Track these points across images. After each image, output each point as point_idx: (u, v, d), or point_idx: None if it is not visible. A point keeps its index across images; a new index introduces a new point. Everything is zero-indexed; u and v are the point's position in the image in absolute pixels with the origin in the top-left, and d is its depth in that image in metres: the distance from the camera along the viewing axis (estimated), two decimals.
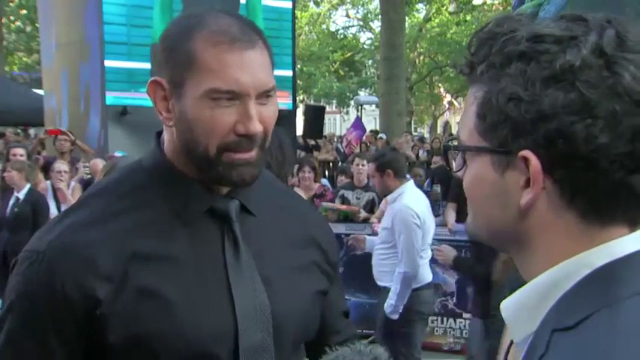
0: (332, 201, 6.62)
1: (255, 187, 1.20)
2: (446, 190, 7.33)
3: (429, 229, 4.44)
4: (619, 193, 0.72)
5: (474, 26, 23.20)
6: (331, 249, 1.37)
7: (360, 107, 25.62)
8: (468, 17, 27.37)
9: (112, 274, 1.09)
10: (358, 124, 13.62)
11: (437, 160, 8.98)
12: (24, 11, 24.25)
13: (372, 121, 31.23)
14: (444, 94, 33.47)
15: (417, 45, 28.87)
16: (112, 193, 1.18)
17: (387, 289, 4.34)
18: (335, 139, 15.46)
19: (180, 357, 1.11)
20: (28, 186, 5.89)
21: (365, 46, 32.66)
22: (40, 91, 12.33)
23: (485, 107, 0.77)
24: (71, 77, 9.93)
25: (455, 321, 6.14)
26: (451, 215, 6.33)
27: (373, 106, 27.85)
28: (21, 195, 5.83)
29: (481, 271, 3.92)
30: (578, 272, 0.73)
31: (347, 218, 6.37)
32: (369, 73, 33.63)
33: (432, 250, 4.52)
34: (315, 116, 13.43)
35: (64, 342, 1.10)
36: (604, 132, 0.70)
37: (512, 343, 0.84)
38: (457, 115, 32.33)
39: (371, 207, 6.64)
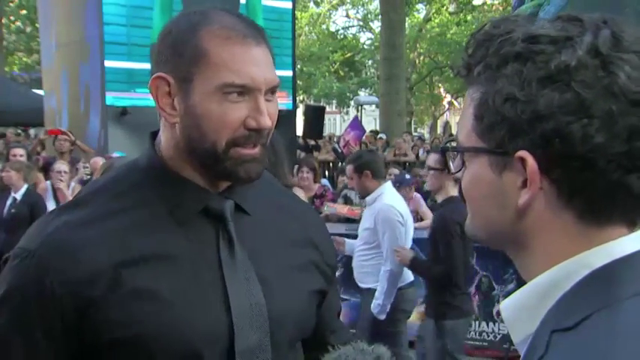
0: (333, 201, 6.62)
1: (252, 186, 1.21)
2: None
3: (410, 228, 4.48)
4: (617, 193, 0.72)
5: (474, 26, 23.19)
6: (328, 250, 1.37)
7: (360, 107, 25.63)
8: (468, 17, 27.38)
9: (105, 274, 1.09)
10: (356, 124, 13.62)
11: None
12: (24, 11, 24.25)
13: (372, 121, 31.23)
14: (444, 95, 33.48)
15: (417, 45, 28.88)
16: (106, 192, 1.18)
17: (370, 291, 4.35)
18: (334, 139, 15.43)
19: (175, 357, 1.11)
20: (25, 186, 5.88)
21: (365, 47, 32.67)
22: (40, 91, 12.33)
23: (482, 108, 0.77)
24: (71, 77, 9.93)
25: None
26: None
27: (373, 106, 27.86)
28: (18, 195, 5.81)
29: (437, 272, 3.97)
30: (578, 273, 0.73)
31: (348, 219, 6.37)
32: (369, 74, 33.64)
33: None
34: (315, 116, 13.43)
35: (52, 340, 1.10)
36: (600, 132, 0.70)
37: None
38: (457, 115, 32.32)
39: None
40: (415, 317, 6.24)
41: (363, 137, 13.54)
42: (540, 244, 0.77)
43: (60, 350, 1.11)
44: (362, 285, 4.54)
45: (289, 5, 11.15)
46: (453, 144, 0.85)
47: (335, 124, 41.94)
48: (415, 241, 6.20)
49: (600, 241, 0.74)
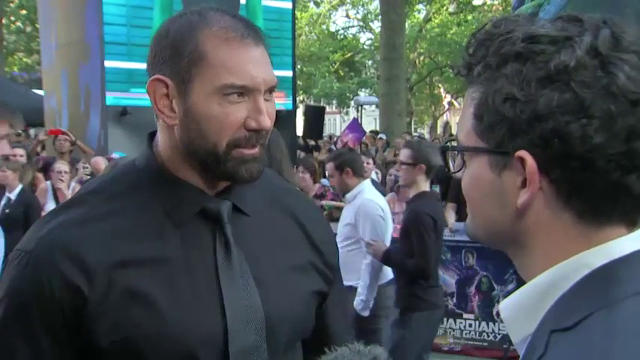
0: (333, 200, 6.62)
1: (251, 186, 1.20)
2: (445, 190, 7.33)
3: (389, 223, 4.53)
4: (616, 193, 0.72)
5: (474, 26, 23.18)
6: (329, 250, 1.35)
7: (360, 107, 25.64)
8: (469, 17, 27.38)
9: (101, 274, 1.09)
10: (355, 126, 13.59)
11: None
12: (24, 11, 24.24)
13: (372, 121, 31.24)
14: (444, 95, 33.47)
15: (417, 45, 28.87)
16: (104, 193, 1.18)
17: (351, 289, 4.37)
18: (334, 140, 15.43)
19: (170, 359, 1.11)
20: (20, 187, 5.85)
21: (365, 47, 32.66)
22: (40, 92, 12.33)
23: (481, 108, 0.77)
24: (71, 77, 9.93)
25: (455, 321, 6.13)
26: (451, 215, 6.35)
27: (373, 106, 27.86)
28: (13, 195, 5.78)
29: (410, 265, 4.01)
30: (577, 272, 0.74)
31: None
32: (369, 74, 33.63)
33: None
34: (315, 116, 13.44)
35: (55, 341, 1.10)
36: (599, 132, 0.70)
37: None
38: (457, 115, 32.31)
39: None
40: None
41: (364, 138, 13.53)
42: (540, 244, 0.77)
43: (63, 351, 1.11)
44: (344, 283, 4.56)
45: (289, 5, 11.15)
46: (454, 143, 0.85)
47: (335, 124, 41.94)
48: None
49: (599, 241, 0.74)
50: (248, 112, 1.12)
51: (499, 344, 5.86)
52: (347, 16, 33.15)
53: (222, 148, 1.12)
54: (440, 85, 32.14)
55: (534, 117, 0.72)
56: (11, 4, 24.44)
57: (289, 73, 10.77)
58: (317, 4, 32.60)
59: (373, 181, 7.06)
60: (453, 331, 6.14)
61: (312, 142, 12.82)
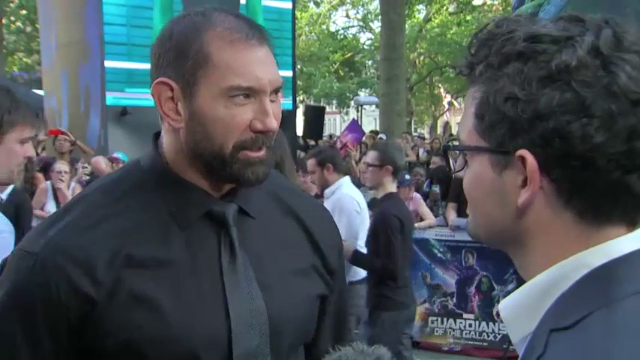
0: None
1: (257, 187, 1.19)
2: (445, 190, 7.34)
3: (366, 219, 4.56)
4: (616, 192, 0.73)
5: (474, 27, 23.19)
6: (330, 254, 1.33)
7: (360, 107, 25.62)
8: (468, 17, 27.38)
9: (107, 278, 1.08)
10: (355, 127, 13.58)
11: (436, 161, 8.98)
12: (24, 11, 24.22)
13: (372, 121, 31.24)
14: (444, 95, 33.47)
15: (417, 45, 28.86)
16: (109, 194, 1.16)
17: None
18: (333, 139, 15.42)
19: None
20: (11, 187, 5.83)
21: (365, 47, 32.65)
22: (40, 92, 12.33)
23: (483, 107, 0.77)
24: (71, 77, 9.93)
25: (455, 321, 6.14)
26: (452, 215, 6.35)
27: (373, 106, 27.86)
28: (4, 195, 5.76)
29: (377, 265, 4.04)
30: (577, 272, 0.74)
31: None
32: (369, 74, 33.62)
33: None
34: (315, 117, 13.46)
35: (58, 344, 1.10)
36: (600, 131, 0.70)
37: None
38: (457, 115, 32.34)
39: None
40: (415, 317, 6.25)
41: (363, 138, 13.52)
42: (540, 244, 0.77)
43: (64, 352, 1.11)
44: None
45: (289, 5, 11.16)
46: (455, 143, 0.85)
47: (335, 124, 41.93)
48: (415, 241, 6.22)
49: (600, 240, 0.74)
50: (254, 113, 1.10)
51: (499, 344, 5.86)
52: (347, 16, 33.16)
53: (228, 150, 1.11)
54: (440, 85, 32.13)
55: (535, 116, 0.72)
56: (11, 4, 24.42)
57: (289, 73, 10.78)
58: (317, 4, 32.59)
59: None
60: (453, 331, 6.14)
61: (312, 142, 12.83)
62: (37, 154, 9.49)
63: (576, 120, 0.70)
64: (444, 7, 28.67)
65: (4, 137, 1.85)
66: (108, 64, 9.14)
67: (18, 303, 1.10)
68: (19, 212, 5.52)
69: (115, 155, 7.26)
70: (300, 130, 13.75)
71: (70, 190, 6.42)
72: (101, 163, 7.18)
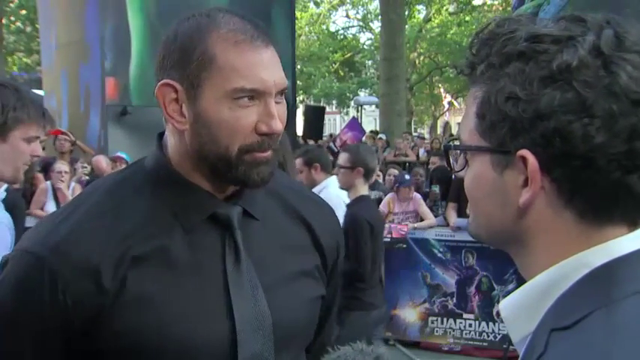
0: None
1: (260, 190, 1.18)
2: (445, 190, 7.33)
3: None
4: (617, 192, 0.73)
5: (473, 27, 23.17)
6: (330, 255, 1.32)
7: (360, 107, 25.61)
8: (468, 18, 27.38)
9: (111, 281, 1.07)
10: (355, 125, 13.56)
11: (435, 161, 8.98)
12: (24, 11, 24.21)
13: (372, 121, 31.22)
14: (444, 95, 33.47)
15: (417, 45, 28.86)
16: (113, 196, 1.15)
17: None
18: (333, 138, 15.40)
19: None
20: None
21: (365, 47, 32.65)
22: (40, 91, 12.34)
23: (484, 107, 0.77)
24: (71, 77, 9.93)
25: (455, 321, 6.14)
26: (452, 215, 6.35)
27: (373, 106, 27.85)
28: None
29: (346, 267, 4.05)
30: (577, 272, 0.74)
31: None
32: (368, 74, 33.62)
33: None
34: (315, 117, 13.46)
35: (61, 347, 1.09)
36: (601, 131, 0.70)
37: None
38: (457, 115, 32.34)
39: (377, 205, 6.66)
40: (415, 317, 6.25)
41: (363, 138, 13.52)
42: (541, 244, 0.77)
43: (68, 355, 1.10)
44: None
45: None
46: (456, 143, 0.85)
47: (335, 124, 41.89)
48: (415, 241, 6.22)
49: (600, 240, 0.74)
50: (259, 115, 1.09)
51: (499, 344, 5.86)
52: (347, 16, 33.16)
53: (234, 152, 1.10)
54: (440, 85, 32.13)
55: (536, 116, 0.72)
56: (11, 4, 24.41)
57: (288, 74, 10.78)
58: (317, 4, 32.59)
59: (376, 181, 7.09)
60: (453, 331, 6.14)
61: (312, 142, 12.82)
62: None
63: (577, 120, 0.70)
64: (444, 8, 28.67)
65: (10, 134, 1.86)
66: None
67: (23, 303, 1.08)
68: (12, 212, 5.49)
69: (119, 155, 7.24)
70: (300, 130, 13.75)
71: (70, 190, 6.42)
72: (102, 162, 7.18)
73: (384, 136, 14.25)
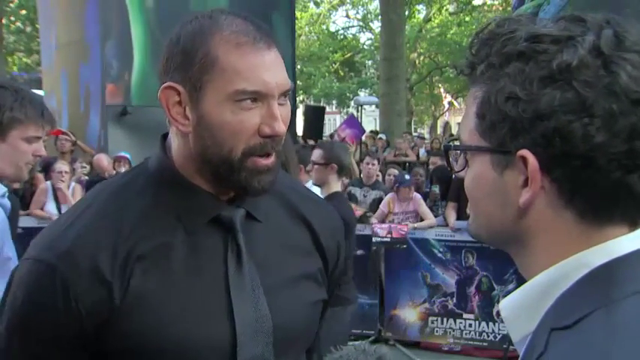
0: None
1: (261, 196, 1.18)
2: (445, 190, 7.33)
3: None
4: (618, 192, 0.73)
5: (473, 27, 23.17)
6: (332, 259, 1.32)
7: (360, 107, 25.60)
8: (468, 18, 27.38)
9: (119, 284, 1.07)
10: (353, 121, 13.46)
11: (435, 161, 8.99)
12: (24, 11, 24.21)
13: (372, 121, 31.22)
14: (444, 95, 33.47)
15: (417, 45, 28.86)
16: (118, 200, 1.14)
17: None
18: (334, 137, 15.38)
19: None
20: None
21: (365, 47, 32.65)
22: (40, 91, 12.34)
23: (484, 107, 0.77)
24: (71, 77, 9.94)
25: (455, 321, 6.14)
26: (452, 215, 6.35)
27: (373, 106, 27.83)
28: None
29: None
30: (577, 272, 0.74)
31: None
32: (368, 74, 33.62)
33: None
34: (315, 117, 13.42)
35: (65, 349, 1.09)
36: (601, 131, 0.70)
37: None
38: (457, 115, 32.35)
39: (377, 205, 6.68)
40: (415, 317, 6.25)
41: (363, 138, 13.51)
42: (541, 243, 0.77)
43: (69, 358, 1.10)
44: None
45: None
46: (456, 143, 0.85)
47: (335, 124, 41.80)
48: (415, 241, 6.22)
49: (600, 240, 0.74)
50: (262, 118, 1.09)
51: (499, 344, 5.86)
52: (347, 16, 33.15)
53: (237, 155, 1.09)
54: (440, 85, 32.13)
55: (536, 116, 0.72)
56: (11, 4, 24.41)
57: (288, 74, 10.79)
58: (317, 4, 32.58)
59: (376, 181, 7.09)
60: (453, 331, 6.15)
61: (312, 143, 12.81)
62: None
63: (577, 120, 0.70)
64: (444, 8, 28.67)
65: (8, 134, 1.88)
66: None
67: (38, 311, 1.07)
68: (10, 214, 5.48)
69: (122, 154, 7.23)
70: (300, 130, 13.73)
71: (70, 190, 6.43)
72: (103, 160, 7.18)
73: (384, 136, 14.25)
